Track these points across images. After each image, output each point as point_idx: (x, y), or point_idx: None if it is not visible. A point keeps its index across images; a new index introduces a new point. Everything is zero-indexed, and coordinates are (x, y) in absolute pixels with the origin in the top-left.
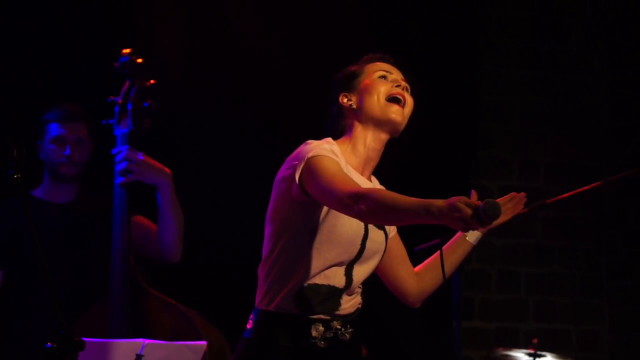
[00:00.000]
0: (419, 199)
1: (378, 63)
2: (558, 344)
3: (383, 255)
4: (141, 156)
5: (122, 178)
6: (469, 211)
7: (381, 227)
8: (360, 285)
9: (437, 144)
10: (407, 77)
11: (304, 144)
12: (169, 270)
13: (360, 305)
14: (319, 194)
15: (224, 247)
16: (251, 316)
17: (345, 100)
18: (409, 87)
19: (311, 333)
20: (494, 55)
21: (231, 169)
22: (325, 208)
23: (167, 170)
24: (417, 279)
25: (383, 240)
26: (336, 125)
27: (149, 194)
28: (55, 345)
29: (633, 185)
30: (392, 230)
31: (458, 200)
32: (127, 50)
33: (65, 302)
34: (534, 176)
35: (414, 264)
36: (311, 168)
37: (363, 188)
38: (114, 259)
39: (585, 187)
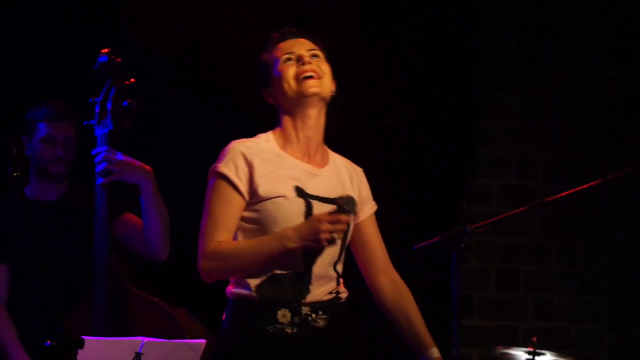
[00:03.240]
0: (261, 238)
1: (280, 45)
2: (557, 343)
3: (347, 235)
4: (120, 156)
5: (103, 179)
6: (326, 214)
7: (333, 203)
8: (337, 272)
9: (436, 142)
10: (316, 38)
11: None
12: (161, 269)
13: (338, 294)
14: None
15: None
16: (226, 308)
17: (268, 97)
18: (318, 54)
19: (278, 319)
20: (492, 53)
21: None
22: (259, 199)
23: (148, 168)
24: (393, 292)
25: None
26: (276, 117)
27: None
28: (54, 343)
29: (632, 183)
30: (363, 210)
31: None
32: (106, 50)
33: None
34: (532, 174)
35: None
36: (208, 188)
37: (213, 246)
38: (95, 259)
39: (584, 186)
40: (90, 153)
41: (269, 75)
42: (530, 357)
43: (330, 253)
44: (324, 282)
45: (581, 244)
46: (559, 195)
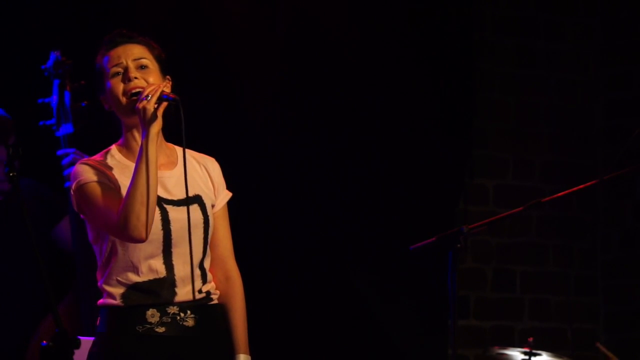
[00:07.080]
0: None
1: (110, 53)
2: (553, 343)
3: (208, 230)
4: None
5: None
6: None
7: (190, 202)
8: (203, 269)
9: (432, 142)
10: (147, 42)
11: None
12: None
13: (209, 295)
14: (89, 221)
15: None
16: (98, 317)
17: (105, 104)
18: (146, 63)
19: (147, 319)
20: (489, 53)
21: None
22: None
23: None
24: (223, 288)
25: (195, 217)
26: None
27: None
28: (51, 344)
29: (628, 183)
30: (217, 199)
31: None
32: (57, 51)
33: (7, 299)
34: (529, 175)
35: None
36: (75, 204)
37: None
38: (76, 261)
39: (581, 186)
40: (55, 153)
41: (103, 83)
42: (527, 357)
43: (196, 248)
44: (190, 282)
45: (577, 244)
46: (555, 195)
